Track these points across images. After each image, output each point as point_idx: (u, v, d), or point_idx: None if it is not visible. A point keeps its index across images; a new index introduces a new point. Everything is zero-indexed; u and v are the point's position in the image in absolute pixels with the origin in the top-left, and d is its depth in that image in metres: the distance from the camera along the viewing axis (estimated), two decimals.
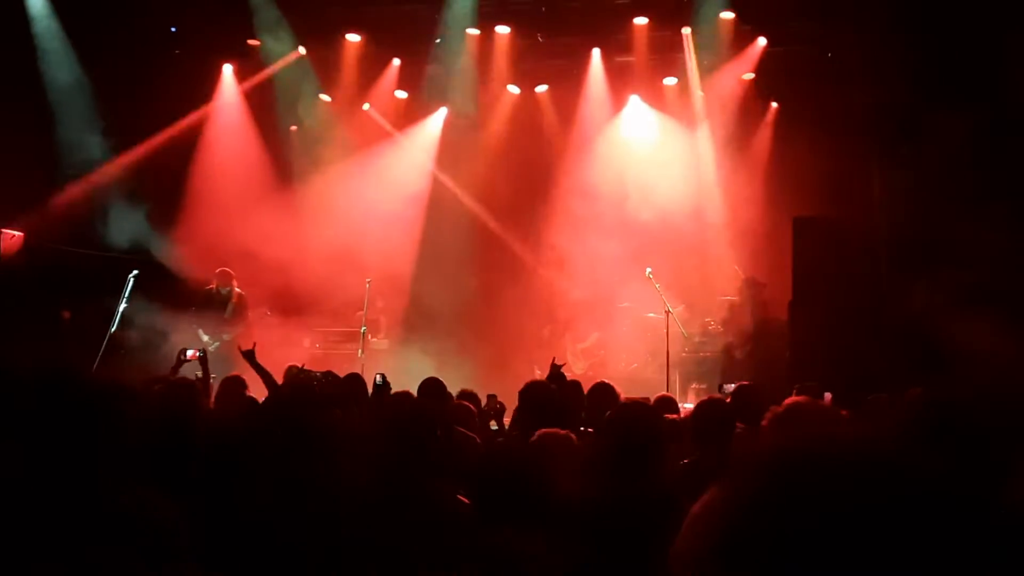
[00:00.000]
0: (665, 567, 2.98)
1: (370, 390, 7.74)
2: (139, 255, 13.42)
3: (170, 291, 13.14)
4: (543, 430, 4.56)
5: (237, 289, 12.99)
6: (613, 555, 3.38)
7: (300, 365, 9.19)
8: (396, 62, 15.61)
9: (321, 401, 4.62)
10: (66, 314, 11.73)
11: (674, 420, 6.20)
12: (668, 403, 7.39)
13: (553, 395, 5.95)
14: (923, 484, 0.87)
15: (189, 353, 8.65)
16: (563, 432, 4.52)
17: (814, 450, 0.91)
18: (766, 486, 0.88)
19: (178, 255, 13.77)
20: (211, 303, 12.91)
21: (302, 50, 15.08)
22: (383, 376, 8.11)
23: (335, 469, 3.62)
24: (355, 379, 7.79)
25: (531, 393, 5.91)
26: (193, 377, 8.54)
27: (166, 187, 14.35)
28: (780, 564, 0.83)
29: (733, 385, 7.44)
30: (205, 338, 12.43)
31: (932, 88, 9.63)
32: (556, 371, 8.13)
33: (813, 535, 0.83)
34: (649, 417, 4.21)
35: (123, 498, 2.07)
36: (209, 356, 11.97)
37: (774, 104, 14.63)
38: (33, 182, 12.90)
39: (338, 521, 3.30)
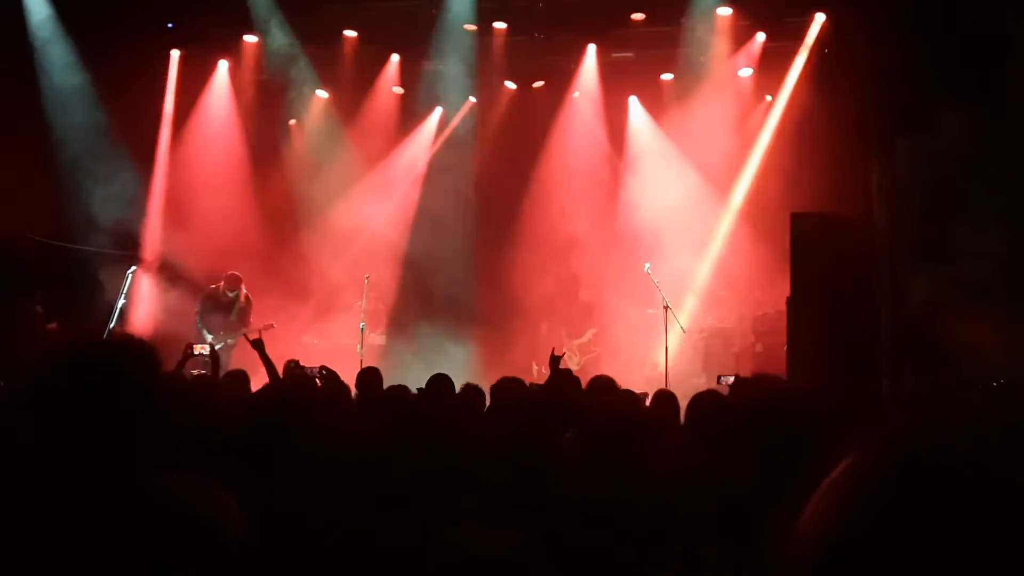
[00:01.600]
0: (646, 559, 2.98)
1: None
2: (131, 250, 13.44)
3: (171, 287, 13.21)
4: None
5: (244, 292, 12.95)
6: (594, 550, 3.36)
7: (298, 360, 9.18)
8: (395, 58, 15.60)
9: (310, 397, 4.57)
10: (39, 309, 11.67)
11: (668, 413, 6.19)
12: (667, 398, 7.37)
13: (527, 393, 5.86)
14: None
15: (197, 349, 8.59)
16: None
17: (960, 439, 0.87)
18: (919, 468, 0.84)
19: (172, 250, 13.78)
20: (217, 305, 12.88)
21: (300, 46, 15.08)
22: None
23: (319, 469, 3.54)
24: (372, 373, 7.68)
25: (504, 392, 5.80)
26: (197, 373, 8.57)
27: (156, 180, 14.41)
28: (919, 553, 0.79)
29: (732, 377, 7.44)
30: (209, 338, 12.43)
31: (931, 84, 9.62)
32: (555, 363, 8.08)
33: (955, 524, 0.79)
34: (628, 409, 4.19)
35: (163, 486, 1.77)
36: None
37: (771, 99, 14.61)
38: (31, 179, 12.90)
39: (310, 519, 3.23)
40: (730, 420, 4.15)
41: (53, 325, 11.87)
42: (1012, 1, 9.62)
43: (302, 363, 9.41)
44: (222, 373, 11.29)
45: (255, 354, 7.89)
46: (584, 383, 7.14)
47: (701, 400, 5.63)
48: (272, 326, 12.44)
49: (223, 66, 15.34)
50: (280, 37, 14.80)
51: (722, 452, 3.66)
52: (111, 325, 12.18)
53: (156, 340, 10.43)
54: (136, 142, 14.02)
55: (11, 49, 13.18)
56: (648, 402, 7.44)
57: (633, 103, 15.33)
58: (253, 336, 8.26)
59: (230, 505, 1.55)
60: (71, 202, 13.46)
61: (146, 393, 2.13)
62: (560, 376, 7.47)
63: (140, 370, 2.17)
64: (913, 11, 9.69)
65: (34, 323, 10.49)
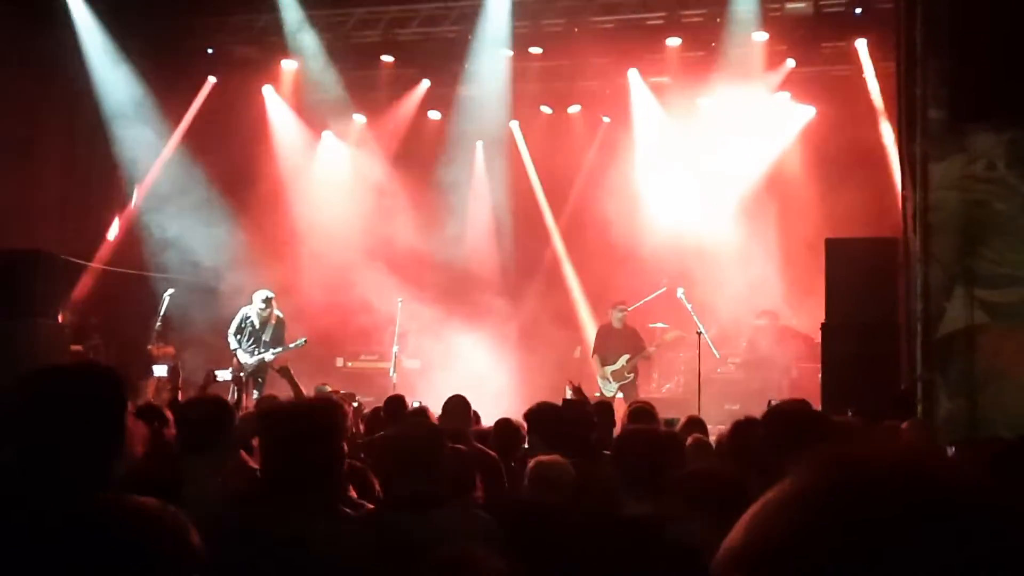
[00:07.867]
0: None
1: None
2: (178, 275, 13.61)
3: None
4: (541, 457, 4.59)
5: (277, 312, 12.94)
6: None
7: (326, 385, 9.24)
8: (426, 83, 15.72)
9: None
10: (66, 329, 11.80)
11: (701, 440, 6.18)
12: (697, 424, 7.37)
13: (561, 416, 5.85)
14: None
15: (219, 375, 8.67)
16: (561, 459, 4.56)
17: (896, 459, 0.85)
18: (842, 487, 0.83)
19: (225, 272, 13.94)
20: (251, 325, 12.90)
21: (335, 70, 15.26)
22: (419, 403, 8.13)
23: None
24: (396, 401, 7.71)
25: (539, 415, 5.80)
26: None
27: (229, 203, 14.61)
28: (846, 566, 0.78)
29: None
30: (244, 358, 12.41)
31: (966, 107, 9.54)
32: (577, 391, 8.22)
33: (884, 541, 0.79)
34: (652, 443, 4.17)
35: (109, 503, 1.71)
36: (247, 378, 12.13)
37: (807, 123, 14.58)
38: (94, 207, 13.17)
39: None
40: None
41: (78, 347, 11.90)
42: None
43: (334, 387, 9.47)
44: (260, 392, 11.38)
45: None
46: (619, 409, 7.11)
47: (742, 427, 5.59)
48: (304, 342, 12.48)
49: (269, 90, 15.55)
50: (317, 62, 14.99)
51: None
52: (149, 345, 12.35)
53: (188, 364, 10.55)
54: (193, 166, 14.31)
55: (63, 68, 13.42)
56: (679, 427, 7.44)
57: (666, 124, 15.37)
58: (285, 356, 8.35)
59: (182, 521, 1.55)
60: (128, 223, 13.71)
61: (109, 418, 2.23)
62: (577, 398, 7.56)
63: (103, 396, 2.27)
64: (947, 35, 9.63)
65: (56, 343, 10.47)
